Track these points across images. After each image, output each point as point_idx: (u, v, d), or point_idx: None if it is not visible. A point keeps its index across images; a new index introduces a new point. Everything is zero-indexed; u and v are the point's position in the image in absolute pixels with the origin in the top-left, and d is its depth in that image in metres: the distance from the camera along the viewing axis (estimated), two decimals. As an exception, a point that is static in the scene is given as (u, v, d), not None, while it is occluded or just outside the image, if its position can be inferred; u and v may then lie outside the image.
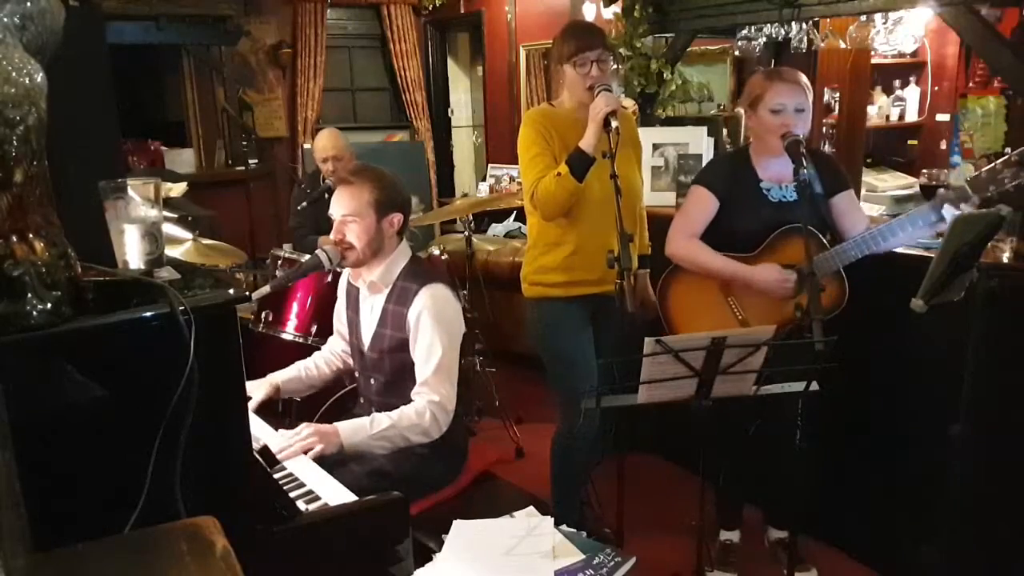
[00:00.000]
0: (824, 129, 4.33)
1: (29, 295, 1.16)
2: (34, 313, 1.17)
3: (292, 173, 6.55)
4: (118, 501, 1.25)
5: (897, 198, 3.45)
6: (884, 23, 3.99)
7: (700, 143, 3.35)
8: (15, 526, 1.03)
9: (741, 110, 2.79)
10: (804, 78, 2.39)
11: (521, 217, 5.25)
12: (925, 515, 2.36)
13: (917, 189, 3.45)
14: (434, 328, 2.20)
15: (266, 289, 2.43)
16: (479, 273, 4.27)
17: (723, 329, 1.99)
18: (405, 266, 2.31)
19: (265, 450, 1.96)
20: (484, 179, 6.45)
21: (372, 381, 2.36)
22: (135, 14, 5.47)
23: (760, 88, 2.38)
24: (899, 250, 2.42)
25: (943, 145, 4.54)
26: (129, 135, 5.72)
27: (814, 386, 2.03)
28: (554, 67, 2.56)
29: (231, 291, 1.42)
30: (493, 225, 5.71)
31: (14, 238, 1.15)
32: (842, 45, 4.09)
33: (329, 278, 3.09)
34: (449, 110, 7.70)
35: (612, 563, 1.60)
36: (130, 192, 1.43)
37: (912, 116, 4.76)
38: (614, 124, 2.27)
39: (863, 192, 3.80)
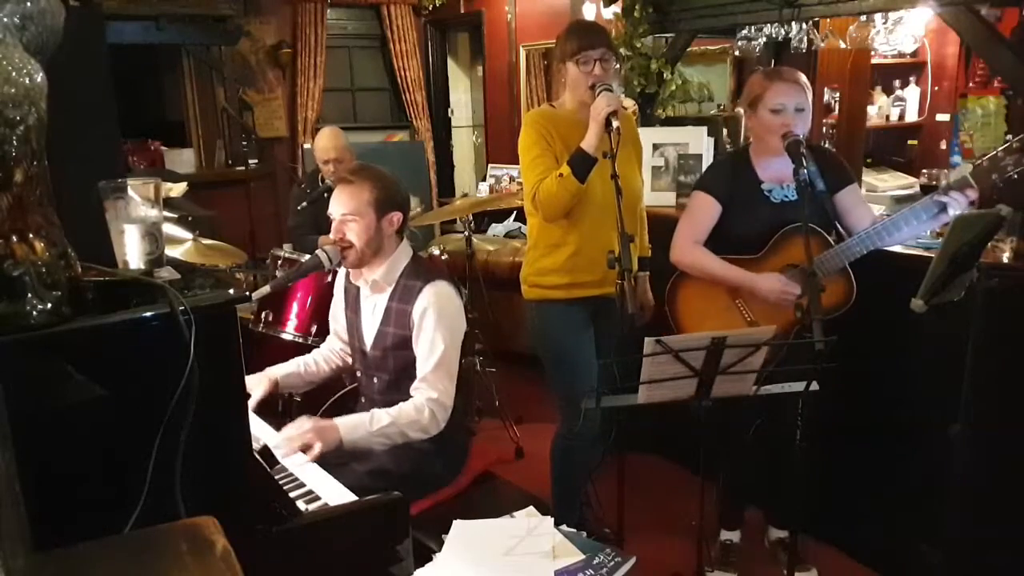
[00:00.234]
0: (824, 129, 4.32)
1: (29, 295, 1.17)
2: (34, 313, 1.17)
3: (292, 173, 6.54)
4: (118, 501, 1.26)
5: (897, 198, 3.46)
6: (884, 23, 3.99)
7: (700, 143, 3.35)
8: (15, 526, 1.03)
9: (741, 110, 2.79)
10: (804, 78, 2.39)
11: (521, 217, 5.25)
12: (925, 515, 2.35)
13: (917, 189, 3.44)
14: (437, 324, 2.20)
15: (266, 289, 2.43)
16: (479, 273, 4.26)
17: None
18: (407, 264, 2.32)
19: (265, 450, 1.96)
20: (484, 179, 6.45)
21: (375, 380, 2.36)
22: (135, 14, 5.47)
23: (760, 88, 2.38)
24: (899, 250, 2.43)
25: (943, 145, 4.54)
26: (129, 135, 5.70)
27: (814, 386, 2.03)
28: (556, 65, 2.54)
29: (231, 291, 1.43)
30: (493, 225, 5.71)
31: (14, 238, 1.15)
32: (842, 45, 4.09)
33: (329, 278, 3.09)
34: (449, 110, 7.70)
35: (612, 563, 1.60)
36: (130, 192, 1.43)
37: (912, 116, 4.76)
38: (615, 124, 2.26)
39: (863, 192, 3.79)
